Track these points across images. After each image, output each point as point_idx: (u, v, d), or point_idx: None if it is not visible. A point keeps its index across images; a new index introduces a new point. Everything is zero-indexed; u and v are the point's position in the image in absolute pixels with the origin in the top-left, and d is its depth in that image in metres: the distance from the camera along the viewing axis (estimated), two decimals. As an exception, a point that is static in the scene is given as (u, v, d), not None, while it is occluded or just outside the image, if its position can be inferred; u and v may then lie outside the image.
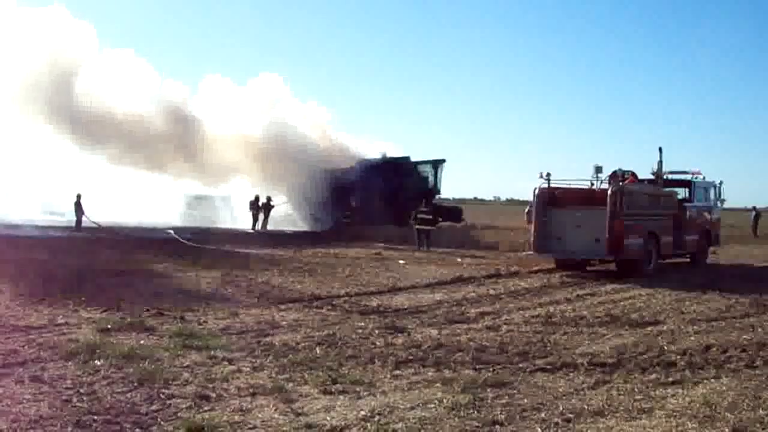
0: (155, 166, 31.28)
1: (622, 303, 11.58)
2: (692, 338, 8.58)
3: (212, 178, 32.56)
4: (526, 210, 16.84)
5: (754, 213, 37.43)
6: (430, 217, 24.17)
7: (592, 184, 16.88)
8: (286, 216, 32.43)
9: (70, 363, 6.65)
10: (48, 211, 29.17)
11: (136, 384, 5.98)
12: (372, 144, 34.92)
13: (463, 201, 67.72)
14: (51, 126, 29.15)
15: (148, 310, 9.66)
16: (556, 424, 5.27)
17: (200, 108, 32.43)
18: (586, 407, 5.66)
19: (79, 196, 26.30)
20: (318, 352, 7.43)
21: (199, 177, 32.47)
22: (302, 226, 31.25)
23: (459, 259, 19.20)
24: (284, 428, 5.11)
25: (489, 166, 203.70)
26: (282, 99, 34.32)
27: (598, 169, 16.80)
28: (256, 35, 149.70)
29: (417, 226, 23.14)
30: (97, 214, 26.18)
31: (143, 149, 30.47)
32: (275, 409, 5.48)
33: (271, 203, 30.16)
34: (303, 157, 30.82)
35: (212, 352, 7.22)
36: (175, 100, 31.95)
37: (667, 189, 17.93)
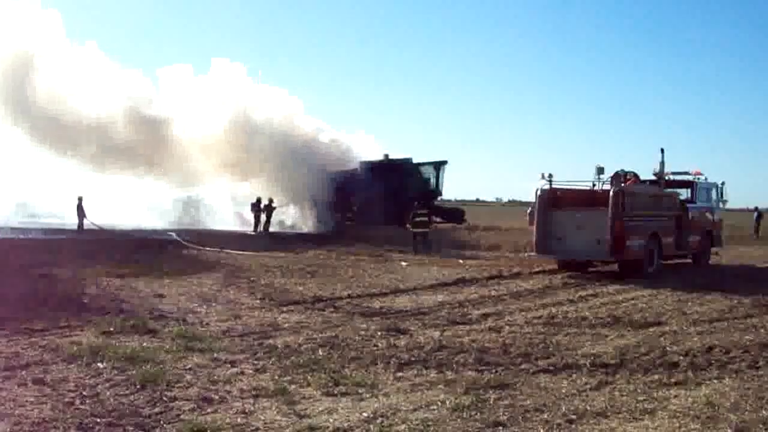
0: (128, 170, 30.70)
1: (624, 304, 11.56)
2: (695, 339, 8.56)
3: (191, 180, 31.88)
4: (528, 211, 16.83)
5: (756, 213, 37.36)
6: (426, 219, 23.96)
7: (594, 185, 16.86)
8: (287, 218, 32.40)
9: (72, 365, 6.67)
10: (27, 214, 28.77)
11: (138, 386, 5.99)
12: (374, 145, 35.02)
13: (464, 202, 67.66)
14: (14, 127, 28.52)
15: (150, 312, 9.67)
16: (559, 425, 5.26)
17: (169, 108, 31.66)
18: (588, 408, 5.66)
19: (80, 199, 26.32)
20: (320, 353, 7.43)
21: (177, 179, 31.56)
22: (303, 228, 31.22)
23: (461, 261, 19.18)
24: (286, 430, 5.11)
25: (491, 167, 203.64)
26: (245, 89, 33.25)
27: (600, 170, 16.75)
28: (252, 32, 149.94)
29: (413, 229, 22.68)
30: (92, 217, 26.14)
31: (112, 153, 29.88)
32: (278, 411, 5.49)
33: (273, 205, 30.14)
34: (285, 153, 30.40)
35: (214, 355, 7.24)
36: (143, 101, 31.11)
37: (669, 190, 17.90)
